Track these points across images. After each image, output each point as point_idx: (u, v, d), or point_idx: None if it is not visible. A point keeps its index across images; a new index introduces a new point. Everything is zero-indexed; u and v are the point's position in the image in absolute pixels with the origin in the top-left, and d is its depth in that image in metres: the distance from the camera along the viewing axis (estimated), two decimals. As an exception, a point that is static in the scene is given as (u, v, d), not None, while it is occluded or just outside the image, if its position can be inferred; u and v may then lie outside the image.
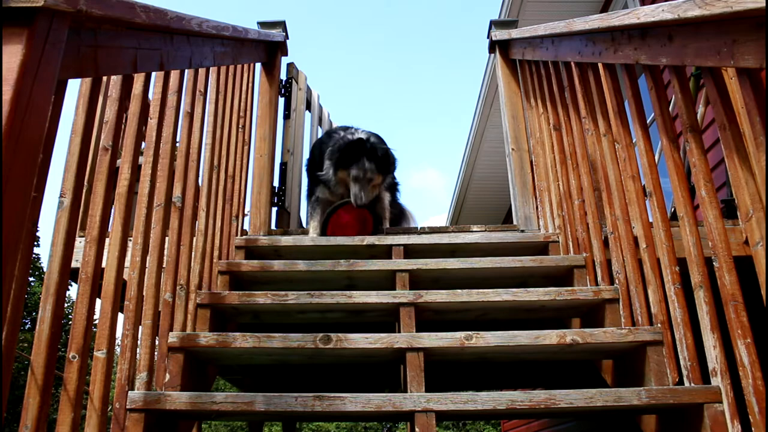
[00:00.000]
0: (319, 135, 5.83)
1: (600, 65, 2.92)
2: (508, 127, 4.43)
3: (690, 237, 2.25)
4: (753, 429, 1.92)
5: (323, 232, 3.94)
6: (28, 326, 19.93)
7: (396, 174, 4.58)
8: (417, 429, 2.09)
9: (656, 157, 2.77)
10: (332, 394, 2.14)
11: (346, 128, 4.20)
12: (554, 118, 3.69)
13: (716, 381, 2.09)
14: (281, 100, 5.10)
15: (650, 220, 2.58)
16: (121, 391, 2.10)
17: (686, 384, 2.22)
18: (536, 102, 4.11)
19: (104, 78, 2.32)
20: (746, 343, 1.98)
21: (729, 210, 3.49)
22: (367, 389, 2.45)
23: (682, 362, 2.26)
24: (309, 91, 5.58)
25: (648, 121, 2.62)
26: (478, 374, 5.91)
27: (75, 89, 2.00)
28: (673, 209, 3.41)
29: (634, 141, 2.66)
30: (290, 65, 5.28)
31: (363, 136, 3.97)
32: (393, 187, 4.52)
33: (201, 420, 3.56)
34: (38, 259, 21.84)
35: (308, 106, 5.57)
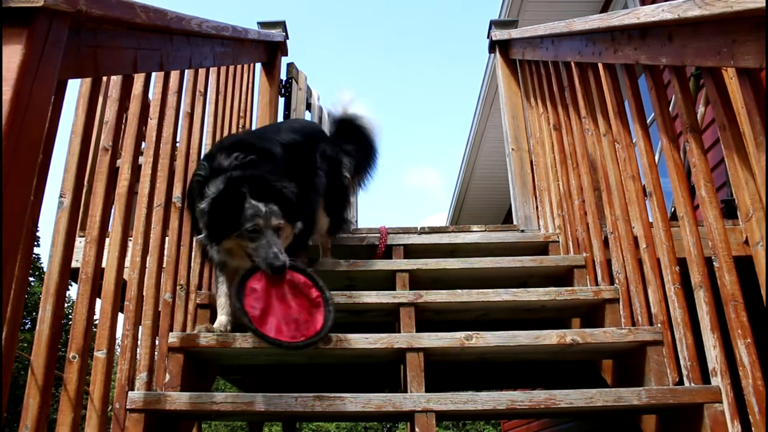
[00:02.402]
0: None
1: (600, 65, 2.92)
2: (508, 126, 4.43)
3: (690, 237, 2.25)
4: (753, 429, 1.92)
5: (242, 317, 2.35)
6: (28, 326, 19.91)
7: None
8: (417, 429, 2.09)
9: (656, 157, 2.77)
10: (332, 395, 2.14)
11: (221, 153, 2.60)
12: (554, 118, 3.69)
13: (716, 381, 2.09)
14: (281, 100, 5.11)
15: (650, 220, 2.58)
16: (121, 391, 2.10)
17: (686, 384, 2.22)
18: (536, 102, 4.11)
19: (104, 78, 2.32)
20: (746, 343, 1.98)
21: (729, 210, 3.49)
22: (367, 389, 2.43)
23: (682, 362, 2.26)
24: (309, 91, 5.58)
25: (648, 121, 2.62)
26: (478, 374, 5.90)
27: (75, 89, 2.00)
28: (673, 209, 3.42)
29: (634, 141, 2.66)
30: (290, 65, 5.28)
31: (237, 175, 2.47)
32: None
33: (201, 420, 3.56)
34: (38, 259, 21.82)
35: (308, 107, 5.57)
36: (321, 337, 2.36)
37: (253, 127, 4.32)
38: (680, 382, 2.27)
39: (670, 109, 2.48)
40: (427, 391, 2.30)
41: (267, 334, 2.29)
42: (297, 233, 2.57)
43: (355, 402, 2.13)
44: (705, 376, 2.16)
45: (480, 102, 8.65)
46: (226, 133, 3.51)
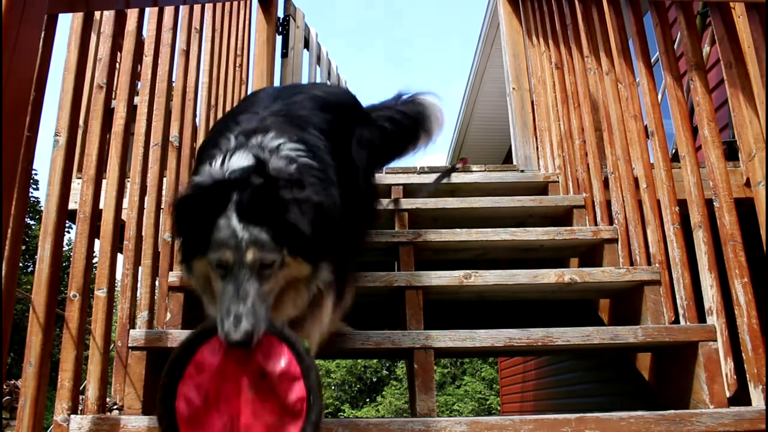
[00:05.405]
0: (318, 75, 5.75)
1: (604, 0, 2.85)
2: (509, 65, 4.36)
3: (691, 177, 2.24)
4: (746, 366, 1.95)
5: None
6: (30, 269, 20.07)
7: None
8: (416, 365, 2.11)
9: (659, 97, 2.74)
10: (332, 332, 2.16)
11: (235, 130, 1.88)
12: (556, 56, 3.63)
13: (712, 320, 2.11)
14: (279, 39, 5.02)
15: (651, 160, 2.56)
16: (122, 329, 2.12)
17: (682, 323, 2.24)
18: (538, 40, 4.04)
19: (97, 15, 2.27)
20: (743, 283, 1.99)
21: (730, 152, 3.46)
22: (366, 328, 2.42)
23: (678, 301, 2.28)
24: (307, 28, 5.48)
25: (651, 61, 2.58)
26: (477, 314, 5.97)
27: (67, 25, 1.95)
28: (674, 150, 3.40)
29: (637, 80, 2.62)
30: (288, 2, 5.17)
31: (248, 160, 1.68)
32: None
33: (203, 358, 3.61)
34: (37, 202, 21.82)
35: (306, 45, 5.48)
36: None
37: (251, 65, 4.25)
38: (676, 321, 2.29)
39: (675, 47, 2.43)
40: (425, 329, 2.33)
41: None
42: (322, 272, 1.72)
43: (353, 339, 2.15)
44: (701, 316, 2.18)
45: (481, 40, 8.50)
46: (223, 71, 3.45)
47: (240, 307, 1.48)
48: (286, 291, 1.67)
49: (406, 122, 2.74)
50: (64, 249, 1.80)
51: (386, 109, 2.74)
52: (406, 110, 2.76)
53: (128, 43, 2.25)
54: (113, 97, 2.14)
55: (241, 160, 1.67)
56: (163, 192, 2.52)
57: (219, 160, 1.68)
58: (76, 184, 2.23)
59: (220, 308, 1.51)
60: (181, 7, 2.71)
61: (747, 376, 1.95)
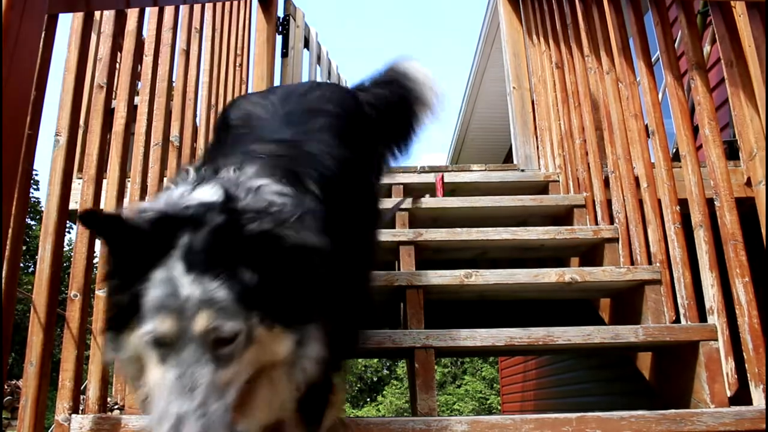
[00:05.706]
0: (318, 75, 5.75)
1: None
2: (509, 65, 4.36)
3: (692, 176, 2.24)
4: (746, 365, 1.95)
5: None
6: (31, 269, 20.07)
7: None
8: (416, 365, 2.11)
9: (660, 96, 2.74)
10: (332, 332, 2.15)
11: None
12: (557, 56, 3.63)
13: (713, 319, 2.10)
14: (279, 38, 5.02)
15: (652, 159, 2.56)
16: (123, 329, 2.12)
17: (683, 322, 2.24)
18: (539, 39, 4.04)
19: (97, 14, 2.27)
20: (744, 282, 1.99)
21: (731, 151, 3.46)
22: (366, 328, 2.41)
23: (679, 301, 2.28)
24: (307, 28, 5.48)
25: (652, 60, 2.58)
26: (477, 313, 5.97)
27: (67, 25, 1.95)
28: (675, 149, 3.39)
29: (637, 79, 2.62)
30: (287, 1, 5.17)
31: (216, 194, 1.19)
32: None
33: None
34: (38, 202, 21.81)
35: (306, 44, 5.48)
36: None
37: (251, 65, 4.25)
38: (677, 321, 2.29)
39: (675, 46, 2.43)
40: (426, 328, 2.33)
41: None
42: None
43: (355, 339, 2.15)
44: (702, 315, 2.18)
45: (481, 40, 8.50)
46: (223, 71, 3.45)
47: (184, 405, 0.99)
48: (257, 383, 1.14)
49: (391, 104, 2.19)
50: (64, 249, 1.80)
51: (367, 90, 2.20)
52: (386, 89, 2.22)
53: (128, 43, 2.25)
54: (113, 97, 2.14)
55: (206, 192, 1.20)
56: (164, 192, 2.52)
57: (181, 189, 1.23)
58: (76, 184, 2.23)
59: (156, 407, 1.03)
60: (181, 6, 2.71)
61: (748, 375, 1.95)
